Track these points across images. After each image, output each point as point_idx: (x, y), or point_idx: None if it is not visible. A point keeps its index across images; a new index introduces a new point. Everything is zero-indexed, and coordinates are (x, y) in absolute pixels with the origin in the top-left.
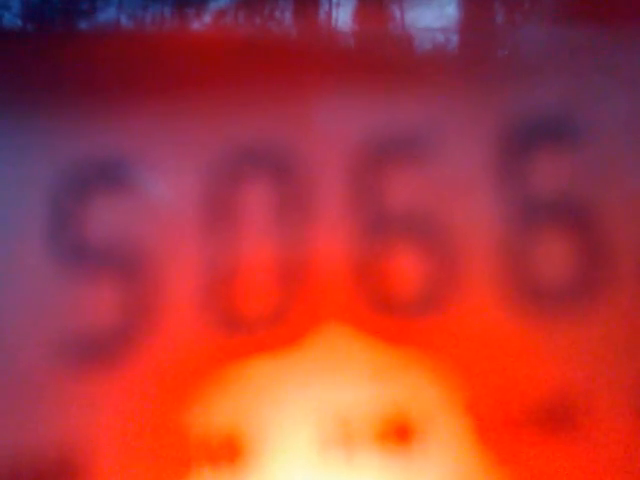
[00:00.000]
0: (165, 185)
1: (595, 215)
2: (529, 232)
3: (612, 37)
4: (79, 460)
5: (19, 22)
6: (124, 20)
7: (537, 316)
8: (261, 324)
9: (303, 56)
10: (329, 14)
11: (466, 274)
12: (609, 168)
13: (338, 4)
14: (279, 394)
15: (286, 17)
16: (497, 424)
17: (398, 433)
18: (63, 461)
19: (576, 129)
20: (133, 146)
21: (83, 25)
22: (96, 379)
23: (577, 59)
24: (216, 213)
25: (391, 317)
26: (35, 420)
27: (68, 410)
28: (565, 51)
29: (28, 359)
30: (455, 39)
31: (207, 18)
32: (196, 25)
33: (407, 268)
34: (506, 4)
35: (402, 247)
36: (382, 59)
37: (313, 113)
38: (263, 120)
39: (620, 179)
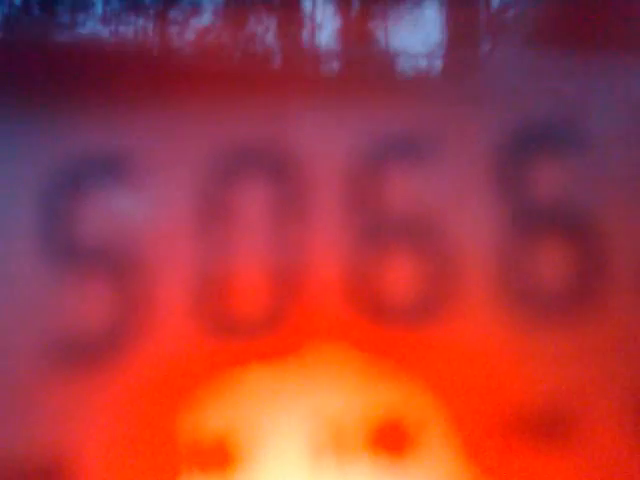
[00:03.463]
0: (159, 186)
1: (591, 224)
2: (525, 240)
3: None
4: (68, 462)
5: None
6: (114, 27)
7: (531, 324)
8: (254, 329)
9: (295, 68)
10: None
11: (462, 282)
12: (606, 177)
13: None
14: (271, 400)
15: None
16: (490, 431)
17: (390, 441)
18: (52, 462)
19: (573, 139)
20: (127, 147)
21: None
22: (87, 381)
23: (570, 72)
24: (210, 216)
25: (386, 324)
26: (24, 421)
27: (57, 412)
28: (559, 66)
29: (18, 360)
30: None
31: (201, 20)
32: (191, 29)
33: (403, 274)
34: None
35: (398, 253)
36: (381, 66)
37: (309, 116)
38: (259, 124)
39: (617, 188)
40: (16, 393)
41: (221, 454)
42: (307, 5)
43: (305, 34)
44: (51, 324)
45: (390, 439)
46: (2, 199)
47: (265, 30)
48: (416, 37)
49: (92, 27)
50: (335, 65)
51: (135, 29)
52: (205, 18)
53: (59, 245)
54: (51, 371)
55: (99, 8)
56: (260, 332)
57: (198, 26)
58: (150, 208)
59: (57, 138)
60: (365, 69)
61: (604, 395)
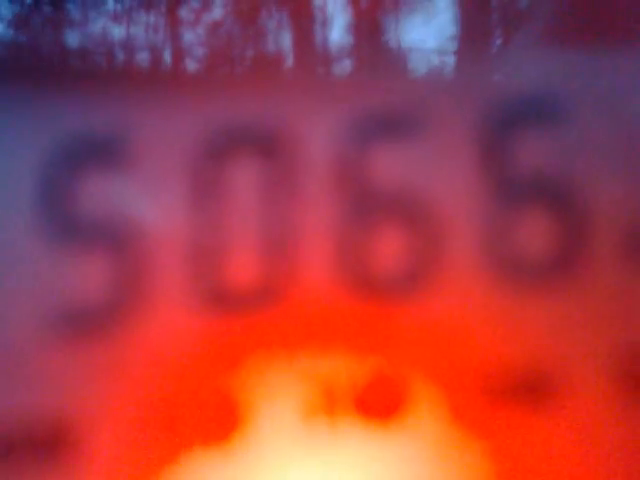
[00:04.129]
0: (154, 164)
1: (574, 194)
2: (510, 211)
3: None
4: (72, 432)
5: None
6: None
7: (518, 292)
8: (248, 301)
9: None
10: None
11: (448, 253)
12: (591, 147)
13: None
14: (266, 368)
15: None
16: (475, 395)
17: (379, 405)
18: (56, 433)
19: (558, 109)
20: (123, 123)
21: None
22: (87, 353)
23: (557, 42)
24: (204, 193)
25: (375, 295)
26: (27, 393)
27: (60, 383)
28: (546, 39)
29: (19, 332)
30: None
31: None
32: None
33: (391, 247)
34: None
35: (385, 227)
36: (369, 39)
37: (299, 95)
38: (249, 102)
39: (601, 157)
40: (18, 364)
41: (220, 420)
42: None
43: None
44: (52, 296)
45: (379, 404)
46: (2, 175)
47: (273, 19)
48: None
49: (102, 24)
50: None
51: (145, 25)
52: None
53: (57, 220)
54: (52, 342)
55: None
56: (253, 303)
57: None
58: (147, 185)
59: (53, 116)
60: (360, 53)
61: (587, 359)
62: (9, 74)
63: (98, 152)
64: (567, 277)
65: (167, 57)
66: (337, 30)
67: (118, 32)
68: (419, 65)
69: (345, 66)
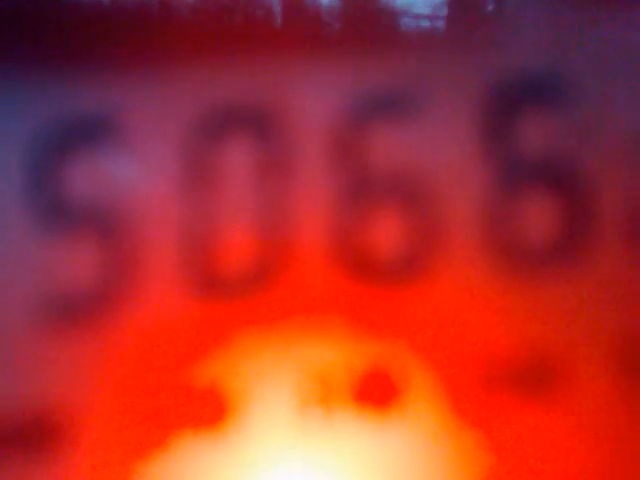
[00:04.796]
0: (146, 145)
1: (578, 177)
2: (512, 194)
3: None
4: (60, 421)
5: None
6: None
7: (519, 278)
8: (240, 286)
9: (284, 19)
10: None
11: (448, 237)
12: (595, 129)
13: None
14: (259, 356)
15: None
16: (475, 384)
17: (376, 394)
18: (44, 422)
19: (562, 89)
20: (113, 104)
21: None
22: (75, 339)
23: (563, 17)
24: (196, 176)
25: (372, 279)
26: (14, 382)
27: (48, 372)
28: (550, 9)
29: (8, 317)
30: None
31: None
32: None
33: (388, 231)
34: None
35: (383, 210)
36: (364, 18)
37: (294, 75)
38: (243, 83)
39: (606, 140)
40: (8, 350)
41: (211, 407)
42: None
43: None
44: (40, 282)
45: (376, 392)
46: None
47: None
48: None
49: None
50: (329, 21)
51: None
52: None
53: (46, 203)
54: (42, 328)
55: None
56: (247, 287)
57: None
58: (137, 167)
59: (43, 96)
60: (355, 24)
61: (590, 347)
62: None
63: (87, 133)
64: (570, 263)
65: (165, 39)
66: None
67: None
68: (416, 36)
69: (342, 42)
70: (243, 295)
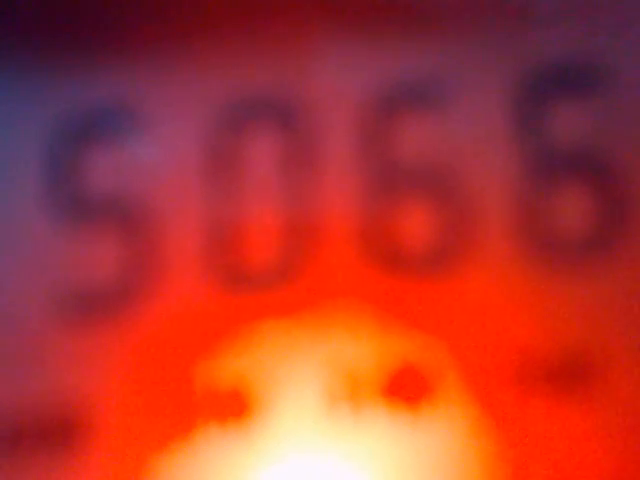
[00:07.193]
0: (168, 136)
1: (614, 168)
2: (546, 186)
3: None
4: (82, 416)
5: None
6: None
7: (553, 272)
8: (266, 280)
9: (309, 2)
10: None
11: (480, 230)
12: (632, 119)
13: None
14: (286, 349)
15: None
16: (507, 382)
17: (405, 391)
18: (65, 417)
19: (598, 77)
20: (133, 96)
21: None
22: (98, 334)
23: (599, 4)
24: (220, 166)
25: (401, 274)
26: (36, 377)
27: (70, 366)
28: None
29: (29, 313)
30: None
31: None
32: None
33: (418, 224)
34: None
35: (413, 202)
36: (393, 5)
37: (320, 62)
38: (268, 70)
39: None
40: (28, 345)
41: (237, 403)
42: None
43: None
44: (61, 275)
45: (405, 389)
46: (8, 149)
47: None
48: None
49: None
50: (360, 7)
51: None
52: None
53: (67, 195)
54: (63, 323)
55: None
56: (273, 282)
57: None
58: (160, 158)
59: (64, 85)
60: (386, 9)
61: (625, 345)
62: (13, 48)
63: (108, 123)
64: (606, 257)
65: (182, 29)
66: None
67: None
68: (449, 22)
69: (370, 31)
70: (269, 288)
